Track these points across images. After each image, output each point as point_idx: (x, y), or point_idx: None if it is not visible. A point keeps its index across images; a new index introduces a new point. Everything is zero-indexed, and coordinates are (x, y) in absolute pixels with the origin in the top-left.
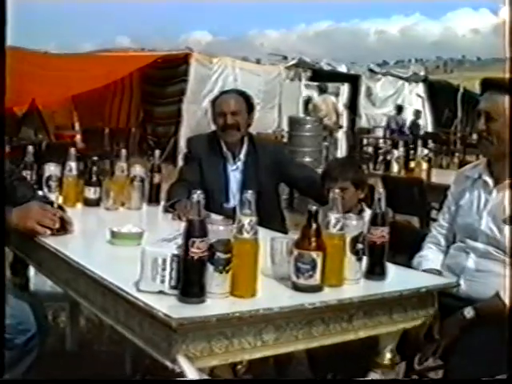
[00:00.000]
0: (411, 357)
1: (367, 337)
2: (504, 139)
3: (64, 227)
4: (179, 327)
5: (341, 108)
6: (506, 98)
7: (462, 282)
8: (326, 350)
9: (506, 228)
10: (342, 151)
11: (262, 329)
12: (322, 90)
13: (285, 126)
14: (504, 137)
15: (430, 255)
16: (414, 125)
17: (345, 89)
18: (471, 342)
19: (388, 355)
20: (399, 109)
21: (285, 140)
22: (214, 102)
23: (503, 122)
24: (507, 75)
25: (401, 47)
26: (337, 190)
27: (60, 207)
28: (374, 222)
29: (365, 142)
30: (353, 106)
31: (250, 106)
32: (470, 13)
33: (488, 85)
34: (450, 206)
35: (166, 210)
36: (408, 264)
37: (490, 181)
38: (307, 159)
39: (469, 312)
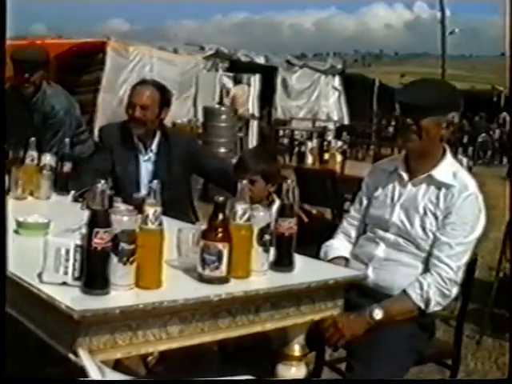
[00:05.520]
0: (321, 348)
1: (275, 328)
2: (432, 137)
3: None
4: (81, 319)
5: (252, 98)
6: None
7: (369, 270)
8: (237, 341)
9: (417, 221)
10: (255, 142)
11: (166, 321)
12: (237, 81)
13: (200, 117)
14: (432, 134)
15: (337, 244)
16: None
17: (256, 79)
18: (379, 338)
19: (296, 347)
20: None
21: (200, 130)
22: (131, 90)
23: (433, 119)
24: (424, 69)
25: (317, 40)
26: (244, 181)
27: None
28: (282, 213)
29: (281, 133)
30: (269, 98)
31: (165, 101)
32: (384, 7)
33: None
34: (363, 198)
35: (75, 200)
36: (319, 256)
37: (404, 175)
38: (222, 150)
39: (378, 314)
